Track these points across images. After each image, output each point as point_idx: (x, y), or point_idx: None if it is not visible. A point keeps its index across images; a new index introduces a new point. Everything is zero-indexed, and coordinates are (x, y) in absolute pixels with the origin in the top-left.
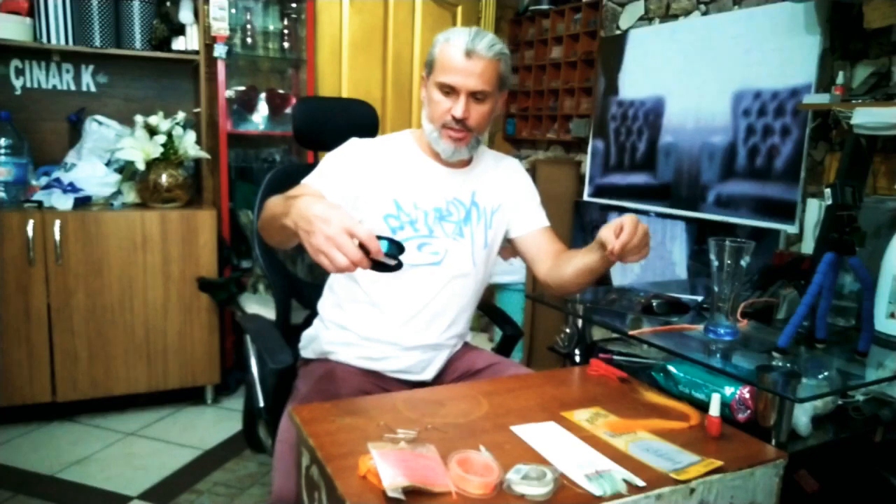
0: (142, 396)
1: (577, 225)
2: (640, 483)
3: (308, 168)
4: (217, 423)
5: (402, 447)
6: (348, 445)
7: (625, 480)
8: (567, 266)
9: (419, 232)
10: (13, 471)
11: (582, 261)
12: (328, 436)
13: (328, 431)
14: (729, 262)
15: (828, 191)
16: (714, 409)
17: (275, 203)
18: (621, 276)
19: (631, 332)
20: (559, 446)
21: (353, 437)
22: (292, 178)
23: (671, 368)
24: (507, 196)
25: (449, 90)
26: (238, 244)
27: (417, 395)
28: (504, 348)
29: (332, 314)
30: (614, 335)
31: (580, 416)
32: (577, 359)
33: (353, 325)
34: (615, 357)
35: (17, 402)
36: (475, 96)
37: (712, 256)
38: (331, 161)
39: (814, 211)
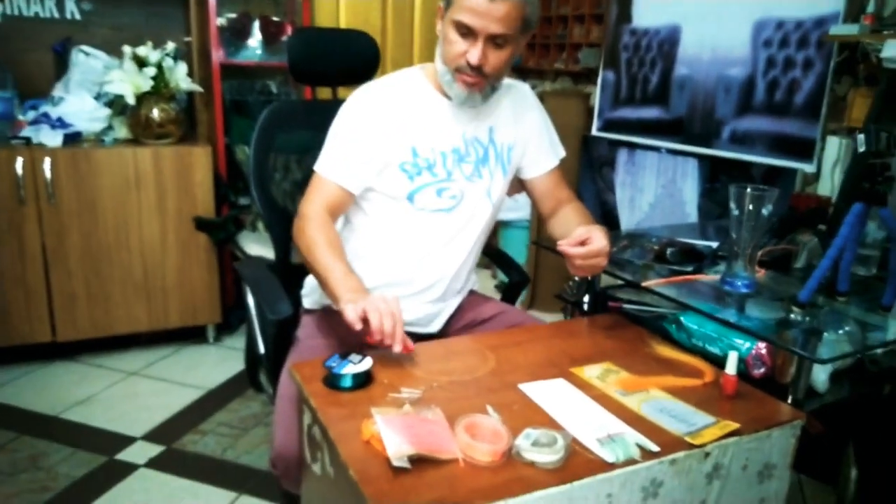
0: (143, 335)
1: (584, 161)
2: (654, 448)
3: (307, 106)
4: (220, 362)
5: (407, 410)
6: (350, 406)
7: (638, 445)
8: (558, 229)
9: (438, 176)
10: (16, 411)
11: (565, 226)
12: (330, 395)
13: (331, 392)
14: (749, 210)
15: (861, 136)
16: (730, 368)
17: (316, 258)
18: (629, 214)
19: (644, 283)
20: (569, 406)
21: (356, 397)
22: (290, 117)
23: (684, 320)
24: (521, 131)
25: (466, 31)
26: (235, 180)
27: (422, 350)
28: (509, 295)
29: None
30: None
31: (590, 372)
32: (585, 307)
33: (361, 275)
34: (625, 306)
35: (16, 342)
36: (494, 40)
37: (732, 204)
38: (344, 130)
39: (833, 149)
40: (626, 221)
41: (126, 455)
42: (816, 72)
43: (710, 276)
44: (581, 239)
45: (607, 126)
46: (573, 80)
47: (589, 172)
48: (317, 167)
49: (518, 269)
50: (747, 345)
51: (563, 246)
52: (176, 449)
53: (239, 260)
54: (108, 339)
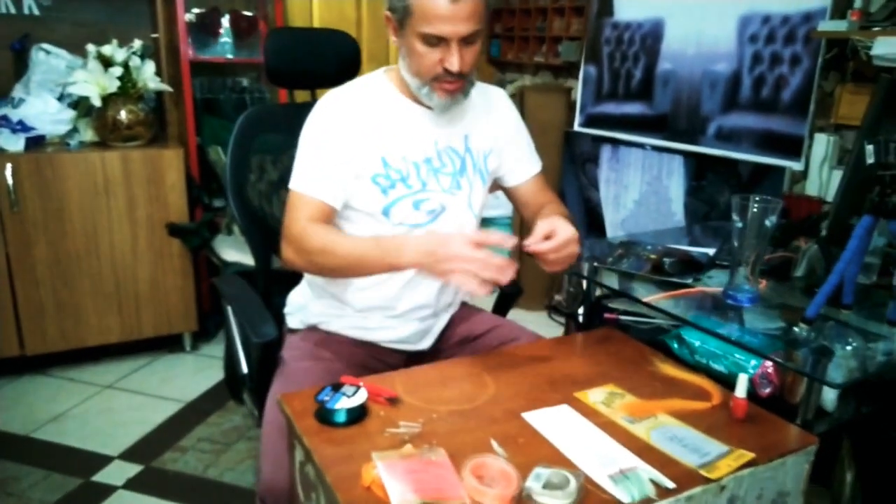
0: (116, 346)
1: (567, 156)
2: (669, 484)
3: (284, 110)
4: (197, 371)
5: (408, 450)
6: (347, 445)
7: (652, 481)
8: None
9: (413, 188)
10: None
11: None
12: (323, 431)
13: (323, 427)
14: (753, 221)
15: (869, 147)
16: (740, 391)
17: (349, 249)
18: (613, 211)
19: (645, 299)
20: (576, 437)
21: (352, 433)
22: (267, 121)
23: (686, 336)
24: (498, 138)
25: (436, 40)
26: (208, 182)
27: (416, 376)
28: (502, 306)
29: (324, 282)
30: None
31: (595, 396)
32: (580, 318)
33: (345, 294)
34: (621, 318)
35: None
36: (466, 40)
37: (735, 216)
38: (315, 142)
39: (821, 147)
40: (611, 219)
41: (103, 476)
42: (804, 68)
43: (713, 289)
44: (545, 233)
45: (590, 121)
46: (553, 74)
47: (572, 169)
48: (293, 185)
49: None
50: (753, 363)
51: (532, 245)
52: (155, 468)
53: (214, 266)
54: (80, 351)
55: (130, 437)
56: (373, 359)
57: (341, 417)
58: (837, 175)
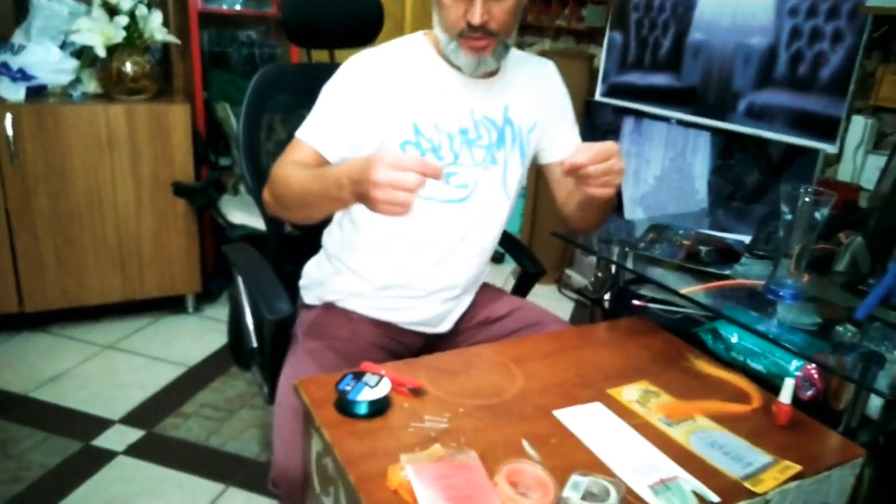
0: (118, 306)
1: (587, 127)
2: (714, 498)
3: (300, 70)
4: (200, 334)
5: (437, 451)
6: (370, 440)
7: (695, 492)
8: (572, 201)
9: (444, 160)
10: None
11: (577, 194)
12: (344, 423)
13: (344, 419)
14: (803, 213)
15: None
16: (785, 397)
17: (300, 180)
18: (633, 185)
19: (683, 291)
20: (611, 439)
21: (374, 426)
22: (283, 81)
23: (723, 331)
24: (543, 111)
25: None
26: (215, 139)
27: (440, 363)
28: (522, 287)
29: (343, 254)
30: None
31: (629, 394)
32: (606, 304)
33: (367, 271)
34: (650, 305)
35: None
36: None
37: (784, 207)
38: (331, 96)
39: (858, 130)
40: (630, 194)
41: (103, 441)
42: (846, 45)
43: (754, 282)
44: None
45: (613, 91)
46: (576, 39)
47: (591, 140)
48: (297, 132)
49: (533, 259)
50: (795, 363)
51: (572, 158)
52: (157, 434)
53: (220, 227)
54: (81, 310)
55: (131, 400)
56: (391, 340)
57: (363, 409)
58: (872, 160)
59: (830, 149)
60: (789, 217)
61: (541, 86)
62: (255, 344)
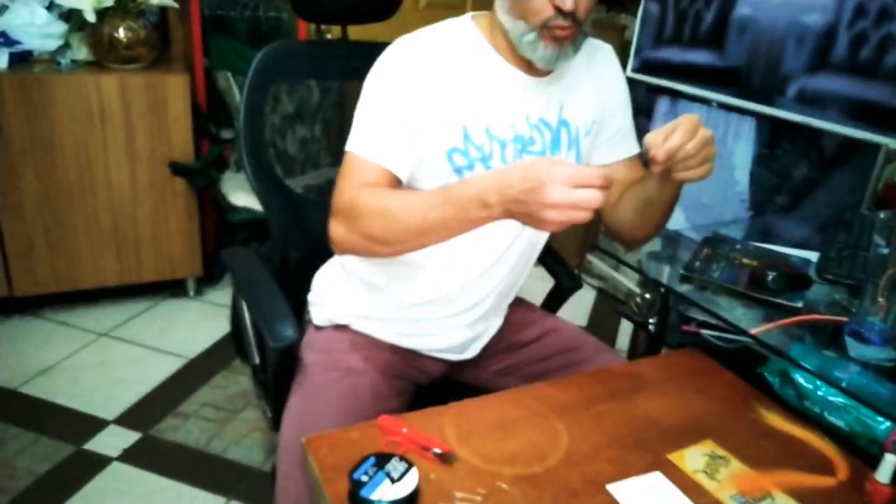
0: (114, 289)
1: None
2: None
3: (311, 49)
4: (201, 320)
5: None
6: None
7: None
8: (625, 204)
9: None
10: None
11: (636, 192)
12: None
13: None
14: None
15: None
16: (884, 475)
17: (405, 208)
18: None
19: (753, 332)
20: None
21: None
22: (291, 62)
23: (795, 376)
24: (600, 108)
25: None
26: (216, 110)
27: (469, 414)
28: (554, 301)
29: (363, 269)
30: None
31: (693, 462)
32: (651, 328)
33: (391, 289)
34: (703, 332)
35: None
36: None
37: (878, 238)
38: (382, 98)
39: None
40: None
41: (96, 444)
42: None
43: (834, 318)
44: (668, 130)
45: (646, 67)
46: (606, 7)
47: None
48: (350, 146)
49: (568, 271)
50: (885, 423)
51: (665, 145)
52: (154, 437)
53: (221, 206)
54: (75, 294)
55: (127, 397)
56: (411, 368)
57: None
58: None
59: (894, 144)
60: (885, 251)
61: (599, 78)
62: (256, 360)
